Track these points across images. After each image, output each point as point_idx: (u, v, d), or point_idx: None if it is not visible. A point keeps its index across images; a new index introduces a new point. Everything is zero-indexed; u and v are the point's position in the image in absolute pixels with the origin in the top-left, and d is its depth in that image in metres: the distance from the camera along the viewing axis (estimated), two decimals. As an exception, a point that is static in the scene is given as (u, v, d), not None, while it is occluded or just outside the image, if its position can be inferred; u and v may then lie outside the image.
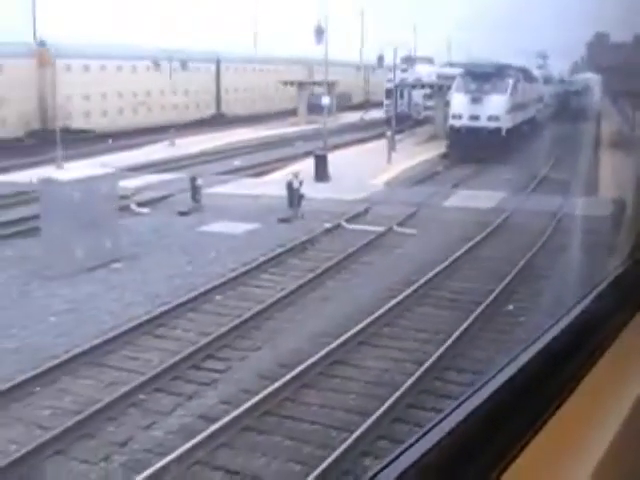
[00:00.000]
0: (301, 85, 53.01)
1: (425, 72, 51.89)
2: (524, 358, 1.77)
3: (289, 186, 21.47)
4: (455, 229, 20.15)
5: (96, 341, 11.61)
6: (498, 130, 34.86)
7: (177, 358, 11.05)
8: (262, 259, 16.78)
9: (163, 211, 22.67)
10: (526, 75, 42.75)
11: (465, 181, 28.98)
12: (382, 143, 37.81)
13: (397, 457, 1.35)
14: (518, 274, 15.78)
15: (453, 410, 1.51)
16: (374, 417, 9.18)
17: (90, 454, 8.59)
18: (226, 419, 9.00)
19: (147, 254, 17.60)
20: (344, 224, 20.59)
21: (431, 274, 15.57)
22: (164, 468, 7.97)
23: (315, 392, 10.26)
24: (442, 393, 10.25)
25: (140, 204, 22.91)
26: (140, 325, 12.44)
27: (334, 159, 29.65)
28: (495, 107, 35.11)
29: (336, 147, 35.91)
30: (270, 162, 32.69)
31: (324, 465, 7.98)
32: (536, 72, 50.00)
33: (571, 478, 1.60)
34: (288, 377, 10.21)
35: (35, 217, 18.00)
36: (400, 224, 20.66)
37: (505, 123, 35.37)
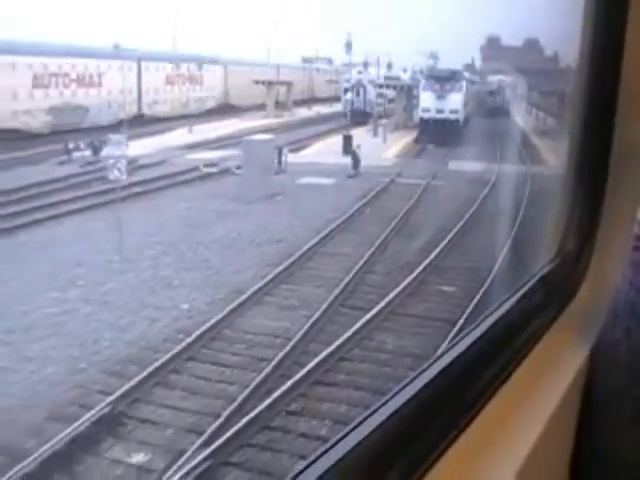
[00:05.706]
0: (269, 84, 62.39)
1: (375, 74, 62.31)
2: (448, 358, 1.75)
3: (354, 153, 31.27)
4: (468, 182, 30.24)
5: (332, 225, 21.08)
6: (457, 120, 45.63)
7: (385, 233, 20.59)
8: (369, 195, 26.29)
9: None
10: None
11: (448, 155, 39.27)
12: (359, 131, 48.13)
13: (317, 459, 1.33)
14: (527, 201, 26.01)
15: (375, 411, 1.49)
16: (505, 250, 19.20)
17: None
18: (433, 254, 18.70)
19: (286, 194, 26.71)
20: (396, 179, 30.36)
21: (478, 202, 25.62)
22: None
23: (461, 244, 20.31)
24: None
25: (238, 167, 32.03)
26: (351, 215, 22.16)
27: (338, 141, 39.40)
28: (455, 102, 45.88)
29: (329, 133, 45.79)
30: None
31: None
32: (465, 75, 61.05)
33: (495, 478, 1.62)
34: (446, 240, 20.04)
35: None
36: (432, 179, 30.58)
37: (461, 115, 46.17)
